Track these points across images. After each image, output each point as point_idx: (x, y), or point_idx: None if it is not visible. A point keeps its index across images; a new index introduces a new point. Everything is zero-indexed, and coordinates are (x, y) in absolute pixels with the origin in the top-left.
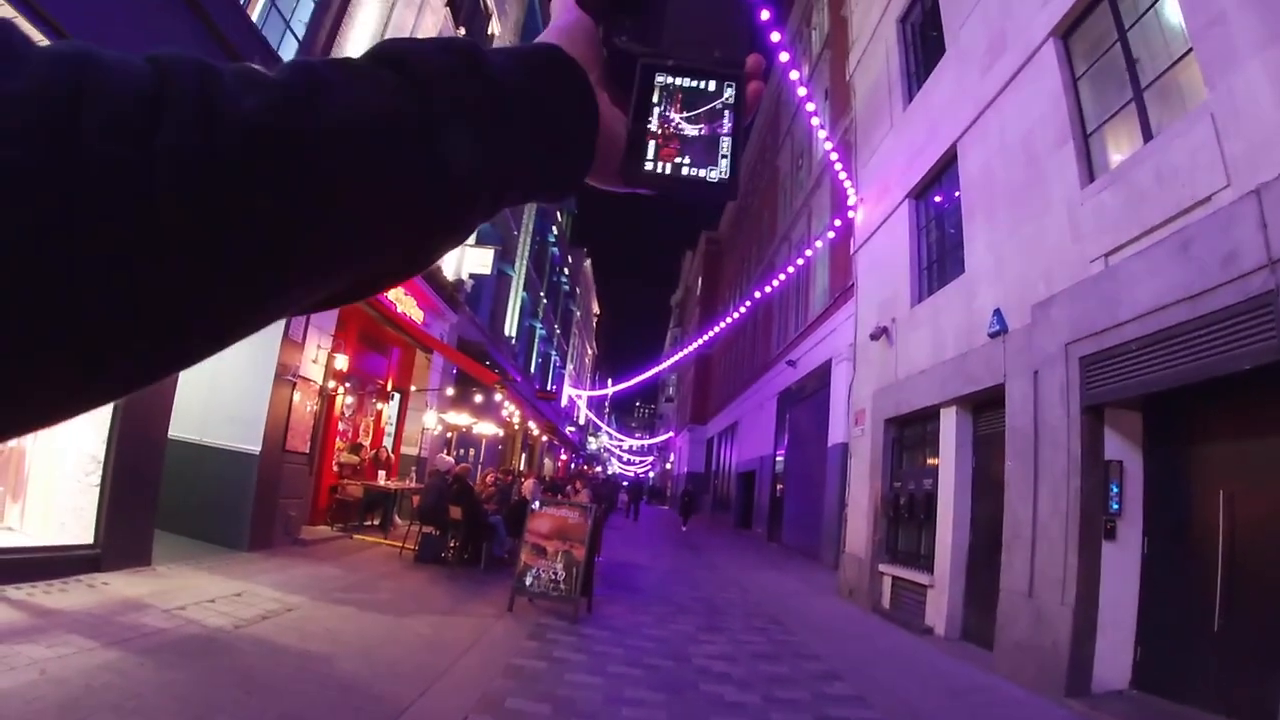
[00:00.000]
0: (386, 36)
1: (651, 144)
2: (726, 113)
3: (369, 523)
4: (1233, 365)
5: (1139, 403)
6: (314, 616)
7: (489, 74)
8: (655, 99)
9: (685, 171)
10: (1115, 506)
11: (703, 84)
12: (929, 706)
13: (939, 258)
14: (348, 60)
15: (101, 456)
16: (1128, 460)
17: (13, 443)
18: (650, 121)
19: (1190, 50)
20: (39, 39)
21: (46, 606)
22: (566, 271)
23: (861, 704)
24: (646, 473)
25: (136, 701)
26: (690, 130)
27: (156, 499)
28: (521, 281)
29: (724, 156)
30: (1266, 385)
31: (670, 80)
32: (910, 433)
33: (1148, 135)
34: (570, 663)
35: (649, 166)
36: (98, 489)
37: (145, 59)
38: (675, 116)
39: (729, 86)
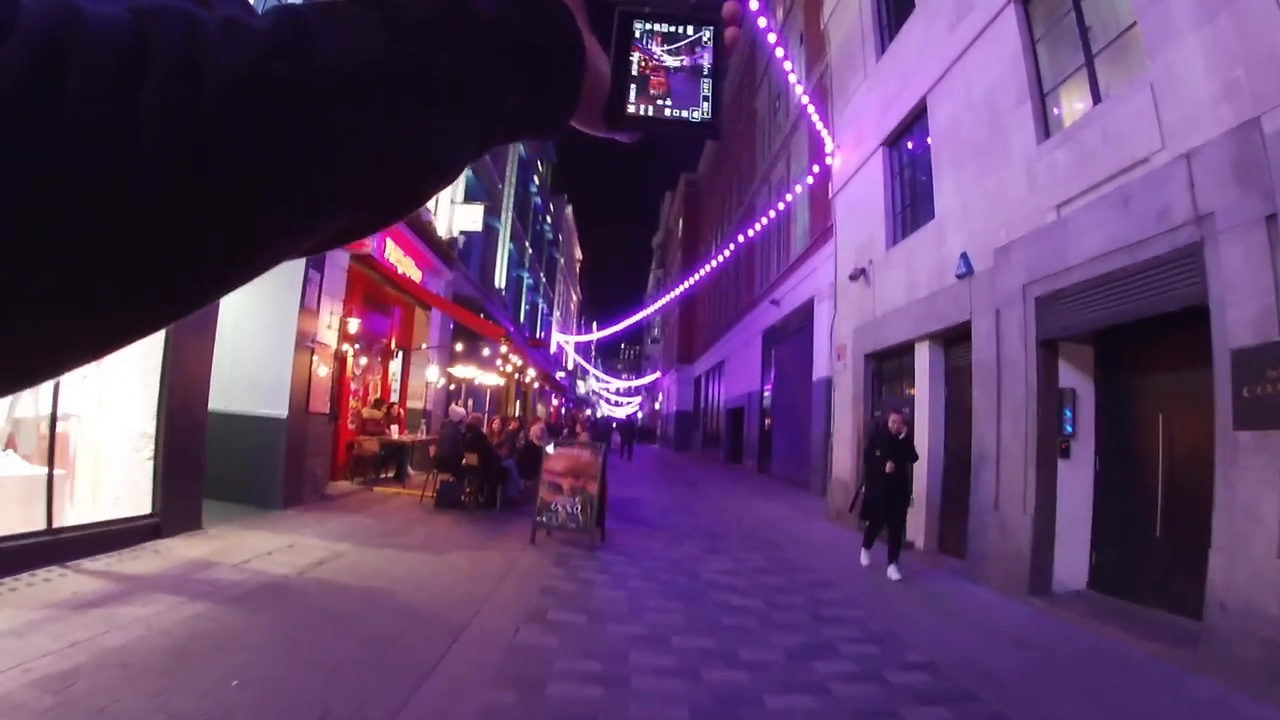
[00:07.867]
0: None
1: (634, 88)
2: (705, 53)
3: (385, 475)
4: (1165, 306)
5: (1090, 337)
6: (363, 560)
7: (476, 13)
8: (635, 44)
9: (668, 113)
10: (1070, 430)
11: (680, 29)
12: (908, 607)
13: (911, 203)
14: (332, 3)
15: (152, 433)
16: (1081, 388)
17: (60, 428)
18: (631, 66)
19: (1135, 23)
20: None
21: (126, 573)
22: (549, 220)
23: (851, 605)
24: (635, 413)
25: (240, 640)
26: (671, 70)
27: (203, 467)
28: (507, 233)
29: (705, 97)
30: (1194, 323)
31: (648, 26)
32: (889, 366)
33: (1097, 98)
34: (596, 582)
35: (632, 110)
36: (151, 462)
37: (127, 9)
38: (655, 59)
39: (706, 29)
